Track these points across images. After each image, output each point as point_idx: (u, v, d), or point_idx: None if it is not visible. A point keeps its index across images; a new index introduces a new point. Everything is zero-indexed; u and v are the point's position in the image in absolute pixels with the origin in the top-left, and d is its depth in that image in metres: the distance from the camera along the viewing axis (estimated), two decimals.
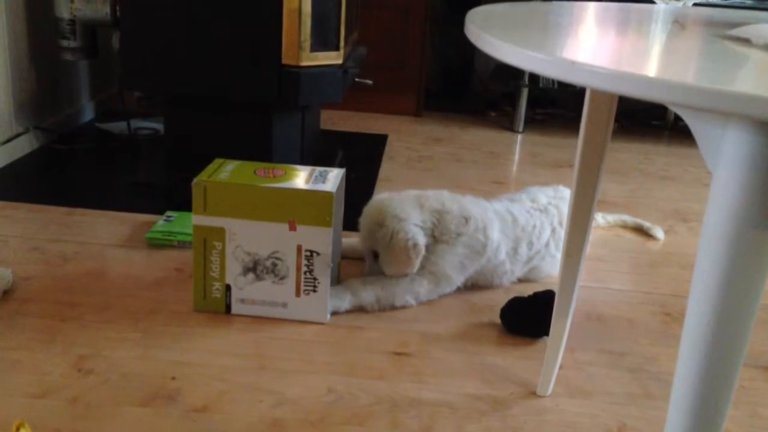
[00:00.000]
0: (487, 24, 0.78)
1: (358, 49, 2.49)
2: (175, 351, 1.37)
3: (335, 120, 3.13)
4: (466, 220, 1.64)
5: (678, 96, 0.53)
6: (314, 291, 1.48)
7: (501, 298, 1.59)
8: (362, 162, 2.55)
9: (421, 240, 1.58)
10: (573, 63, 0.59)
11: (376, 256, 1.62)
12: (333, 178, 1.50)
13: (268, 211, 1.44)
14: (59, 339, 1.38)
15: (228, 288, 1.49)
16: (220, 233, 1.46)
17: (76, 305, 1.51)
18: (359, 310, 1.57)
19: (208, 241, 1.47)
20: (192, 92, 2.01)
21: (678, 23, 0.93)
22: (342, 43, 2.04)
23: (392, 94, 3.28)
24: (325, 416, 1.22)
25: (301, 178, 1.49)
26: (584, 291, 1.72)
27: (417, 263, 1.57)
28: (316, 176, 1.51)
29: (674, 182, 2.63)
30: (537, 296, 1.54)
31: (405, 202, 1.62)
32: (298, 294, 1.49)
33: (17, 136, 2.34)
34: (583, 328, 1.56)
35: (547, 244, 1.74)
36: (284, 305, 1.50)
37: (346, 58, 2.13)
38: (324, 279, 1.48)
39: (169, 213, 1.89)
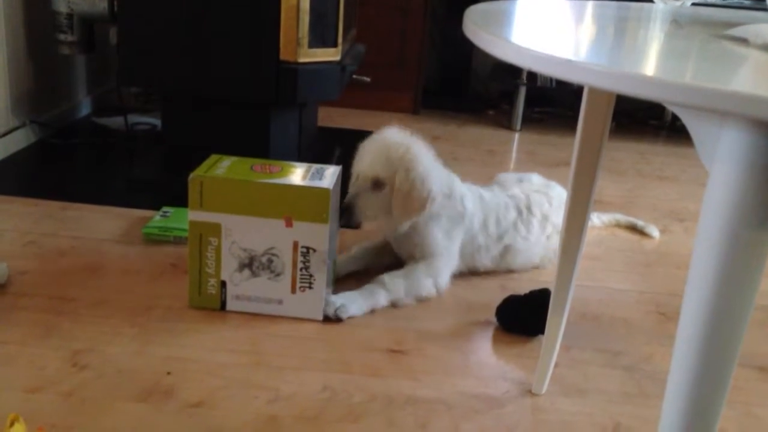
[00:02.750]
0: (486, 22, 0.78)
1: (357, 47, 2.48)
2: (171, 347, 1.37)
3: (333, 117, 3.12)
4: (449, 196, 1.66)
5: (675, 95, 0.53)
6: (310, 288, 1.48)
7: (497, 297, 1.59)
8: None
9: (439, 197, 1.61)
10: (570, 61, 0.59)
11: (376, 185, 1.59)
12: (330, 175, 1.50)
13: (264, 207, 1.44)
14: (55, 334, 1.38)
15: (223, 284, 1.49)
16: (216, 229, 1.46)
17: (71, 300, 1.50)
18: (392, 306, 1.58)
19: (203, 236, 1.46)
20: (189, 88, 2.01)
21: (676, 22, 0.93)
22: (340, 40, 2.04)
23: (390, 91, 3.28)
24: (320, 413, 1.22)
25: (297, 174, 1.49)
26: (580, 290, 1.73)
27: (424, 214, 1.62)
28: (312, 173, 1.51)
29: (671, 182, 2.63)
30: (533, 295, 1.54)
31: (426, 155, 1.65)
32: (293, 291, 1.49)
33: (14, 130, 2.33)
34: (578, 327, 1.57)
35: (515, 225, 1.76)
36: (279, 302, 1.49)
37: (344, 55, 2.12)
38: (320, 276, 1.47)
39: (165, 209, 1.89)
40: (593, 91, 1.11)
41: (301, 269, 1.47)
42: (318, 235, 1.45)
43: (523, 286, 1.69)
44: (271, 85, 1.96)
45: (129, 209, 1.96)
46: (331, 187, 1.44)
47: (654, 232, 2.11)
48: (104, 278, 1.60)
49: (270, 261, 1.47)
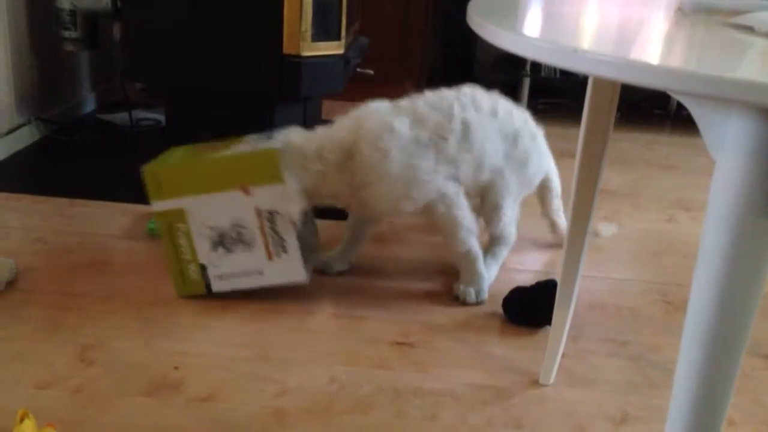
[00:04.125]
0: (489, 12, 0.78)
1: (360, 39, 2.48)
2: (178, 341, 1.38)
3: (336, 110, 3.11)
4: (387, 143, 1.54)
5: (681, 83, 0.52)
6: (284, 251, 1.48)
7: (503, 288, 1.59)
8: None
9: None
10: (575, 51, 0.59)
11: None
12: (281, 137, 1.53)
13: (219, 181, 1.46)
14: (62, 329, 1.39)
15: (203, 268, 1.50)
16: (181, 215, 1.47)
17: (79, 296, 1.51)
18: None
19: (172, 225, 1.48)
20: (193, 83, 2.01)
21: (681, 11, 0.92)
22: (343, 33, 2.04)
23: (394, 84, 3.27)
24: (328, 405, 1.22)
25: (246, 143, 1.52)
26: (586, 281, 1.72)
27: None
28: (261, 139, 1.53)
29: (677, 171, 2.63)
30: (539, 286, 1.54)
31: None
32: (270, 258, 1.49)
33: (19, 127, 2.34)
34: (585, 318, 1.57)
35: (467, 137, 1.58)
36: (260, 272, 1.50)
37: (348, 48, 2.12)
38: (291, 238, 1.47)
39: None
40: (598, 81, 1.11)
41: (270, 234, 1.48)
42: (278, 196, 1.45)
43: (529, 277, 1.69)
44: (274, 79, 1.96)
45: (134, 205, 1.96)
46: (279, 146, 1.46)
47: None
48: (111, 274, 1.61)
49: (239, 234, 1.47)
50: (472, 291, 1.59)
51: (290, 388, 1.26)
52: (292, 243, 1.48)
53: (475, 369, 1.36)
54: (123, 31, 2.00)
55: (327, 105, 3.17)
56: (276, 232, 1.47)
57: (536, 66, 3.14)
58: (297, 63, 1.94)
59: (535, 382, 1.33)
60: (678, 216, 2.19)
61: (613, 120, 1.14)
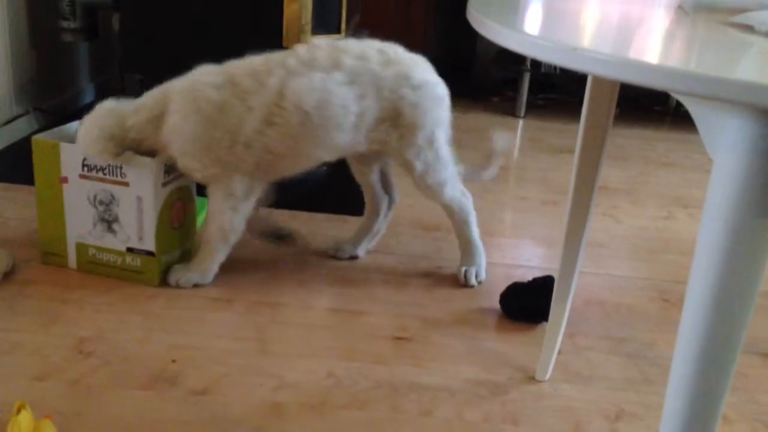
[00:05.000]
0: (489, 9, 0.77)
1: (360, 33, 2.47)
2: (176, 334, 1.38)
3: None
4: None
5: (679, 83, 0.52)
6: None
7: (501, 284, 1.59)
8: None
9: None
10: (575, 49, 0.59)
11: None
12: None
13: (53, 175, 1.54)
14: (60, 321, 1.39)
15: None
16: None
17: (76, 288, 1.51)
18: None
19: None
20: None
21: (681, 9, 0.92)
22: (343, 26, 2.04)
23: None
24: (325, 400, 1.23)
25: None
26: (584, 277, 1.73)
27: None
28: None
29: (675, 168, 2.63)
30: (536, 282, 1.54)
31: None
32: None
33: (17, 117, 2.33)
34: (582, 314, 1.57)
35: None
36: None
37: None
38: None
39: None
40: (597, 78, 1.11)
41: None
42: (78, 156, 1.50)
43: (527, 273, 1.69)
44: None
45: None
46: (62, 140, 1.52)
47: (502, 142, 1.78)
48: None
49: (106, 210, 1.53)
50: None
51: (287, 383, 1.26)
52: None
53: (472, 364, 1.36)
54: (122, 22, 1.99)
55: None
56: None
57: (536, 62, 3.14)
58: None
59: (532, 378, 1.33)
60: (676, 213, 2.19)
61: (612, 116, 1.14)
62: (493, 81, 3.59)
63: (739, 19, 0.79)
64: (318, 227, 1.88)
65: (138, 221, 1.50)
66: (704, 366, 0.66)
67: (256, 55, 1.51)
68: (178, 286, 1.54)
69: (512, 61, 3.22)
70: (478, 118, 3.10)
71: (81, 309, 1.44)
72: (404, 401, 1.24)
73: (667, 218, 2.14)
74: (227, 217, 1.51)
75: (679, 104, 3.40)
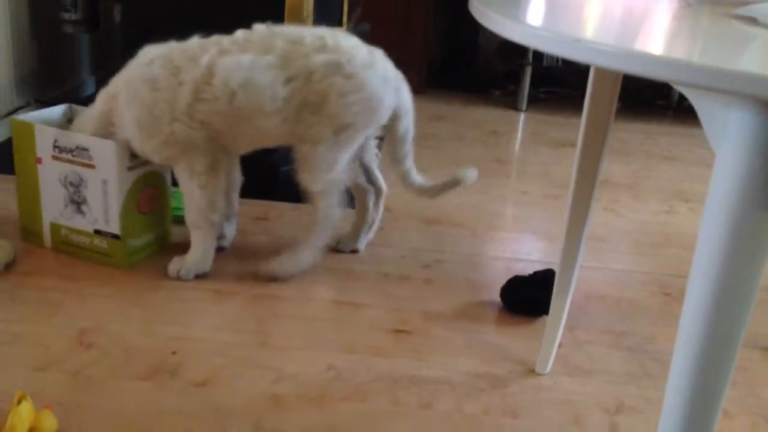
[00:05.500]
0: (492, 0, 0.77)
1: (361, 25, 2.47)
2: (176, 326, 1.38)
3: None
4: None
5: (682, 75, 0.52)
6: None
7: (501, 277, 1.59)
8: None
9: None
10: (578, 40, 0.58)
11: None
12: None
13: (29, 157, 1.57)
14: (61, 312, 1.39)
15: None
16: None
17: (77, 279, 1.51)
18: None
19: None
20: None
21: (685, 1, 0.92)
22: (345, 19, 2.03)
23: None
24: (325, 392, 1.23)
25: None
26: (584, 271, 1.73)
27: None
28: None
29: (677, 163, 2.62)
30: (537, 275, 1.54)
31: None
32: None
33: (18, 109, 2.33)
34: (582, 308, 1.57)
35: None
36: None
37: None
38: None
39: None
40: (600, 70, 1.11)
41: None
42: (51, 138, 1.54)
43: (528, 266, 1.69)
44: None
45: None
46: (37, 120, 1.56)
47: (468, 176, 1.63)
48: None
49: (75, 191, 1.55)
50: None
51: (287, 375, 1.27)
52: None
53: (472, 357, 1.36)
54: (123, 14, 1.99)
55: None
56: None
57: (538, 55, 3.13)
58: None
59: (532, 372, 1.33)
60: (678, 207, 2.19)
61: (614, 110, 1.14)
62: (495, 74, 3.58)
63: (742, 11, 0.79)
64: None
65: (104, 204, 1.53)
66: (705, 360, 0.66)
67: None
68: (179, 279, 1.53)
69: (514, 54, 3.21)
70: (479, 112, 3.09)
71: (82, 300, 1.44)
72: (404, 394, 1.24)
73: (669, 212, 2.13)
74: (197, 195, 1.51)
75: (681, 99, 3.39)
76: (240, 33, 1.51)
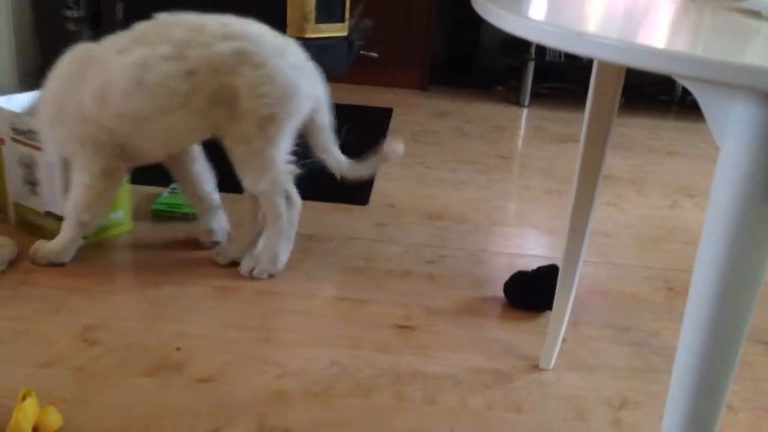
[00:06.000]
0: None
1: (364, 22, 2.47)
2: (181, 322, 1.38)
3: (340, 93, 3.11)
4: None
5: (686, 68, 0.52)
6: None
7: (505, 273, 1.59)
8: (367, 135, 2.54)
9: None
10: (580, 34, 0.58)
11: None
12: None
13: None
14: (65, 309, 1.39)
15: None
16: None
17: (81, 276, 1.51)
18: None
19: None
20: None
21: None
22: (347, 15, 2.03)
23: (397, 67, 3.25)
24: (328, 388, 1.23)
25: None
26: (588, 266, 1.72)
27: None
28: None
29: (681, 157, 2.62)
30: (540, 271, 1.54)
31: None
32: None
33: None
34: (586, 303, 1.57)
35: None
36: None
37: (351, 31, 2.11)
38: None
39: (174, 185, 1.89)
40: (603, 65, 1.10)
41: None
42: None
43: (531, 262, 1.69)
44: None
45: (138, 186, 1.96)
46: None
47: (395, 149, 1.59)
48: (114, 254, 1.61)
49: (30, 173, 1.61)
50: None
51: (291, 371, 1.27)
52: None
53: (476, 353, 1.36)
54: (126, 11, 1.99)
55: (330, 87, 3.16)
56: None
57: (541, 50, 3.13)
58: (300, 44, 1.93)
59: (536, 367, 1.33)
60: (681, 202, 2.18)
61: (617, 105, 1.14)
62: (497, 70, 3.58)
63: (745, 4, 0.79)
64: (323, 216, 1.88)
65: (51, 186, 1.58)
66: (709, 355, 0.66)
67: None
68: (34, 262, 1.53)
69: (516, 49, 3.21)
70: (482, 108, 3.09)
71: (85, 297, 1.44)
72: (408, 389, 1.24)
73: (672, 207, 2.13)
74: (79, 191, 1.48)
75: (684, 94, 3.38)
76: (141, 26, 1.42)
